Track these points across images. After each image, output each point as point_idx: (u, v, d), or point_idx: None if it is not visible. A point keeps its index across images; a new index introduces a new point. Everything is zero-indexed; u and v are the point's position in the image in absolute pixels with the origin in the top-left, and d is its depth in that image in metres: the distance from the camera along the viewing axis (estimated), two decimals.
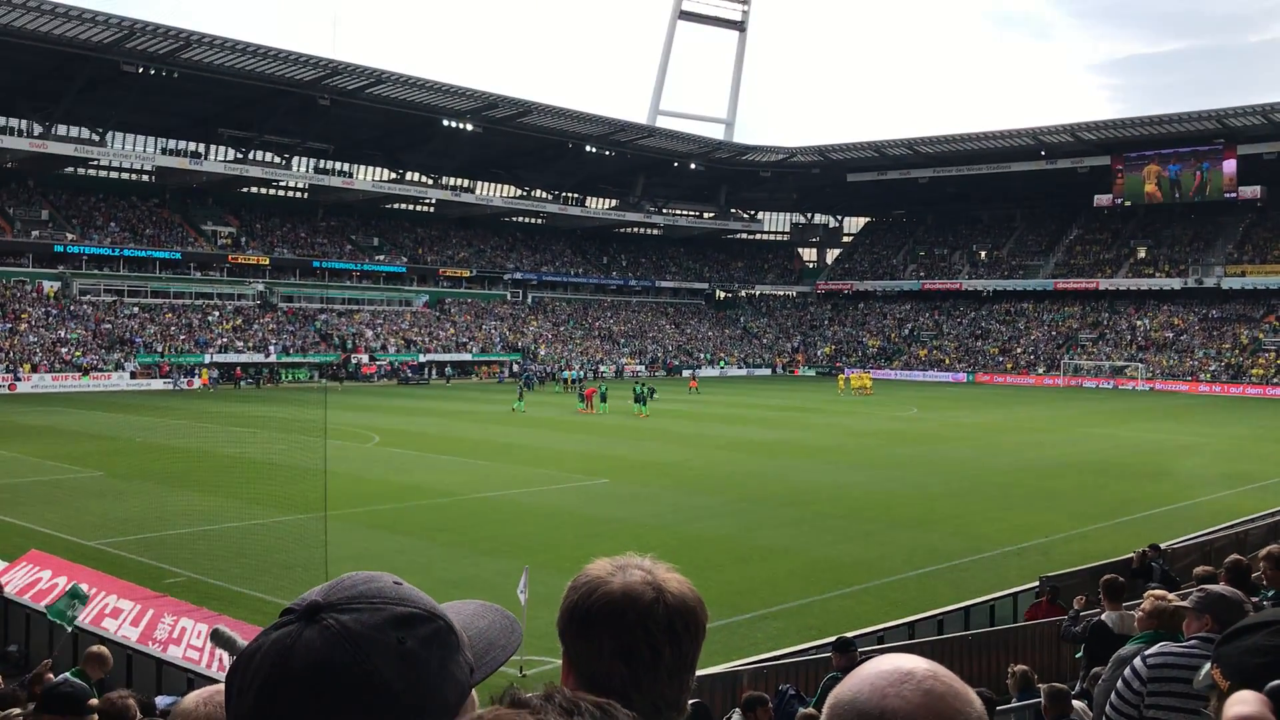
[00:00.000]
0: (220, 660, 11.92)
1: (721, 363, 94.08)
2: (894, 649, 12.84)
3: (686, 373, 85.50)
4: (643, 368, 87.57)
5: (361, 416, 45.93)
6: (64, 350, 64.09)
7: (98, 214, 76.24)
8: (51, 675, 11.02)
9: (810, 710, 8.70)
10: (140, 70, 67.27)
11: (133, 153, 79.21)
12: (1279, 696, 0.77)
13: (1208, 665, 1.92)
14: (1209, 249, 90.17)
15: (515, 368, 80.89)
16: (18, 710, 8.06)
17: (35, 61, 65.59)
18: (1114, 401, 64.80)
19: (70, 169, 77.20)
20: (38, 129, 71.96)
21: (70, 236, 72.24)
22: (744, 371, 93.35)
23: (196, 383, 65.80)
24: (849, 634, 12.23)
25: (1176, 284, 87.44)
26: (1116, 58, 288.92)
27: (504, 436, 40.44)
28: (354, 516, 23.58)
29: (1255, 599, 7.65)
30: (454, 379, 76.52)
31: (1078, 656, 11.05)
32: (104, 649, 10.26)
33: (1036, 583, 16.18)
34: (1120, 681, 4.92)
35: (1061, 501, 27.84)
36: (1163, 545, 16.66)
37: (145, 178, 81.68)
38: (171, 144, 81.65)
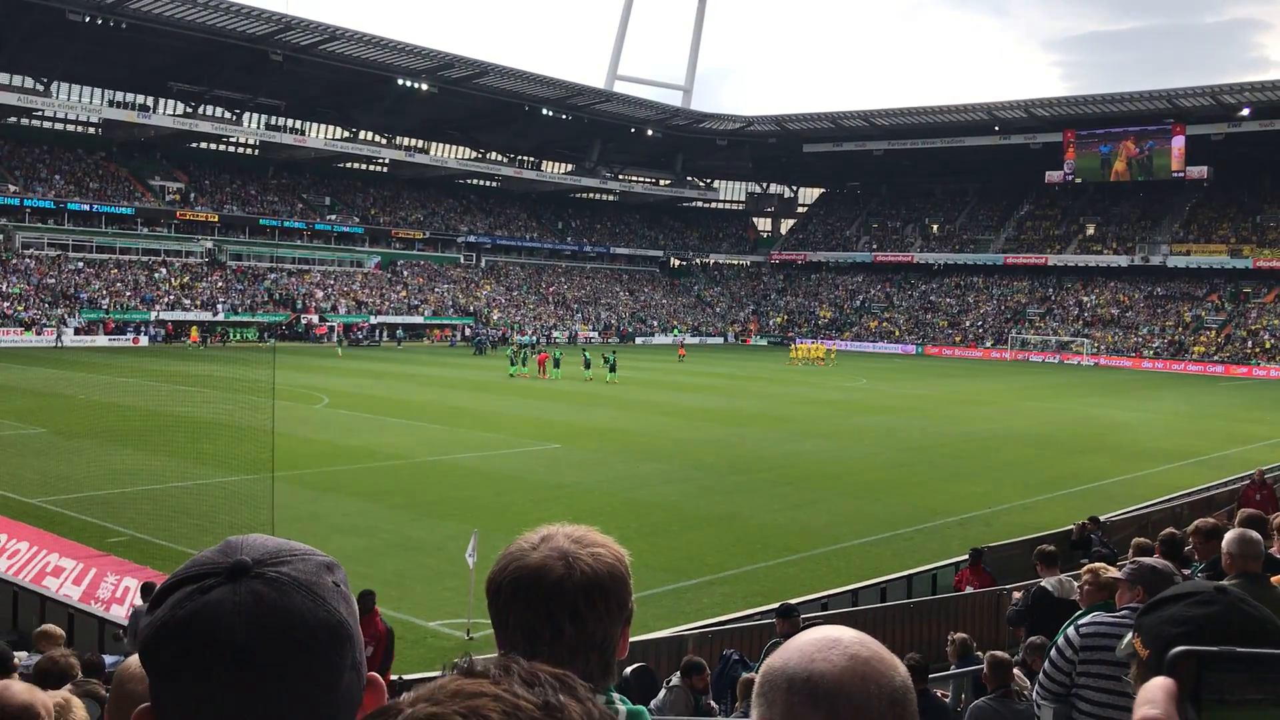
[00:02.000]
0: None
1: (675, 330, 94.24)
2: (837, 616, 13.05)
3: (675, 337, 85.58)
4: (595, 334, 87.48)
5: (311, 377, 45.55)
6: (5, 305, 62.81)
7: (42, 166, 74.54)
8: None
9: (752, 675, 8.83)
10: (86, 19, 65.70)
11: (79, 104, 77.50)
12: (1180, 665, 0.77)
13: (1130, 635, 1.99)
14: (1156, 227, 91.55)
15: (467, 331, 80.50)
16: None
17: None
18: (1059, 376, 65.81)
19: (13, 119, 75.24)
20: None
21: (12, 189, 70.62)
22: (696, 340, 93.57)
23: (188, 342, 64.84)
24: (792, 600, 12.41)
25: (1123, 261, 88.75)
26: (1073, 35, 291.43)
27: (455, 400, 40.31)
28: (302, 478, 23.45)
29: (1187, 571, 7.86)
30: (405, 341, 75.99)
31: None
32: (57, 629, 10.04)
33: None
34: (1054, 650, 5.06)
35: (1005, 473, 28.30)
36: (1102, 518, 17.03)
37: (91, 130, 79.91)
38: (119, 96, 79.95)
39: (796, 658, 1.33)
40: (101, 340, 63.31)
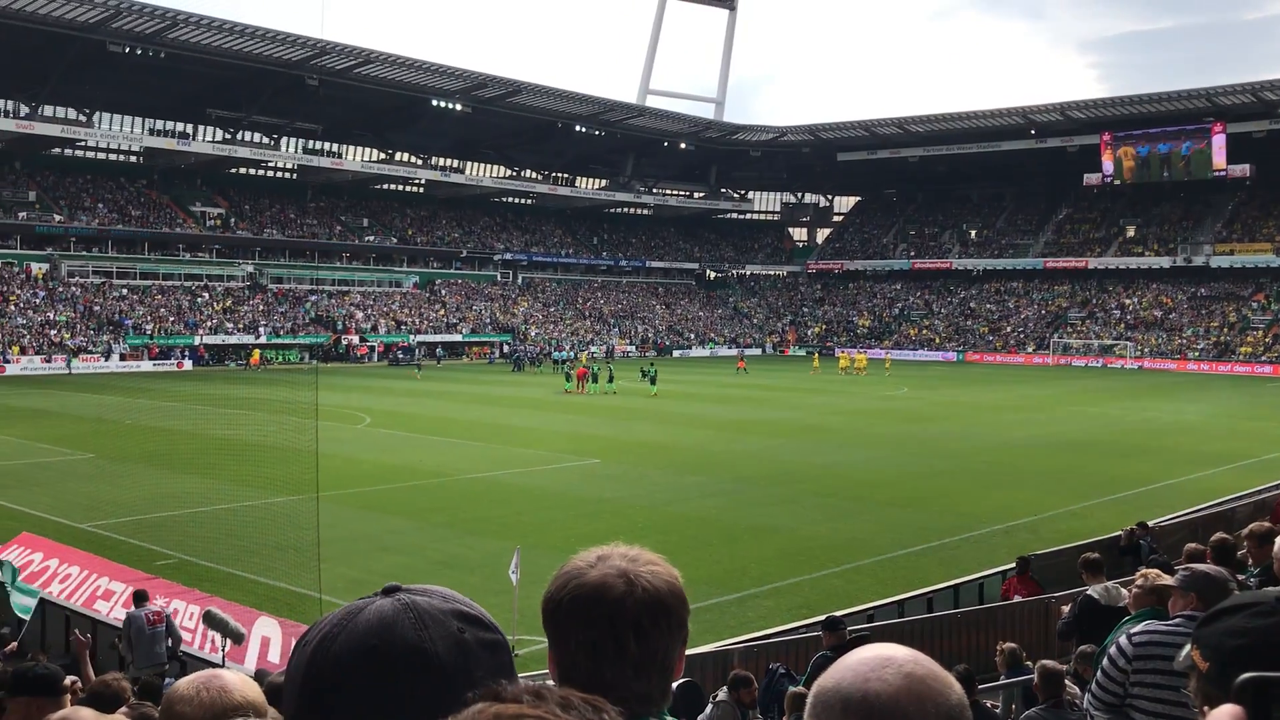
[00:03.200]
0: (213, 641, 11.96)
1: (711, 343, 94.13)
2: (883, 627, 12.94)
3: (734, 351, 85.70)
4: (633, 348, 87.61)
5: (352, 397, 45.90)
6: (52, 332, 63.85)
7: (85, 195, 75.82)
8: (45, 657, 11.06)
9: (799, 689, 8.77)
10: (126, 50, 66.80)
11: (120, 133, 78.80)
12: (1251, 692, 0.77)
13: (1188, 646, 1.95)
14: (1198, 228, 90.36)
15: (506, 348, 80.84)
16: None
17: (21, 41, 65.03)
18: (1102, 380, 65.04)
19: (57, 150, 76.70)
20: (24, 109, 71.47)
21: (58, 218, 71.88)
22: (734, 351, 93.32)
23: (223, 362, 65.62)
24: (838, 613, 12.32)
25: (1165, 263, 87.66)
26: (1109, 35, 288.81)
27: (495, 418, 40.46)
28: (346, 498, 23.61)
29: (1241, 577, 7.72)
30: (444, 359, 76.41)
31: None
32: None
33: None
34: (1106, 659, 4.98)
35: (1050, 480, 27.97)
36: (1150, 523, 16.79)
37: (133, 159, 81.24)
38: (159, 124, 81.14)
39: (850, 677, 1.32)
40: (146, 365, 64.17)
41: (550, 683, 0.87)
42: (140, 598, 12.73)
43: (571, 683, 1.59)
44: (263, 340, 71.25)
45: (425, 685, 1.23)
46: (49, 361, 60.85)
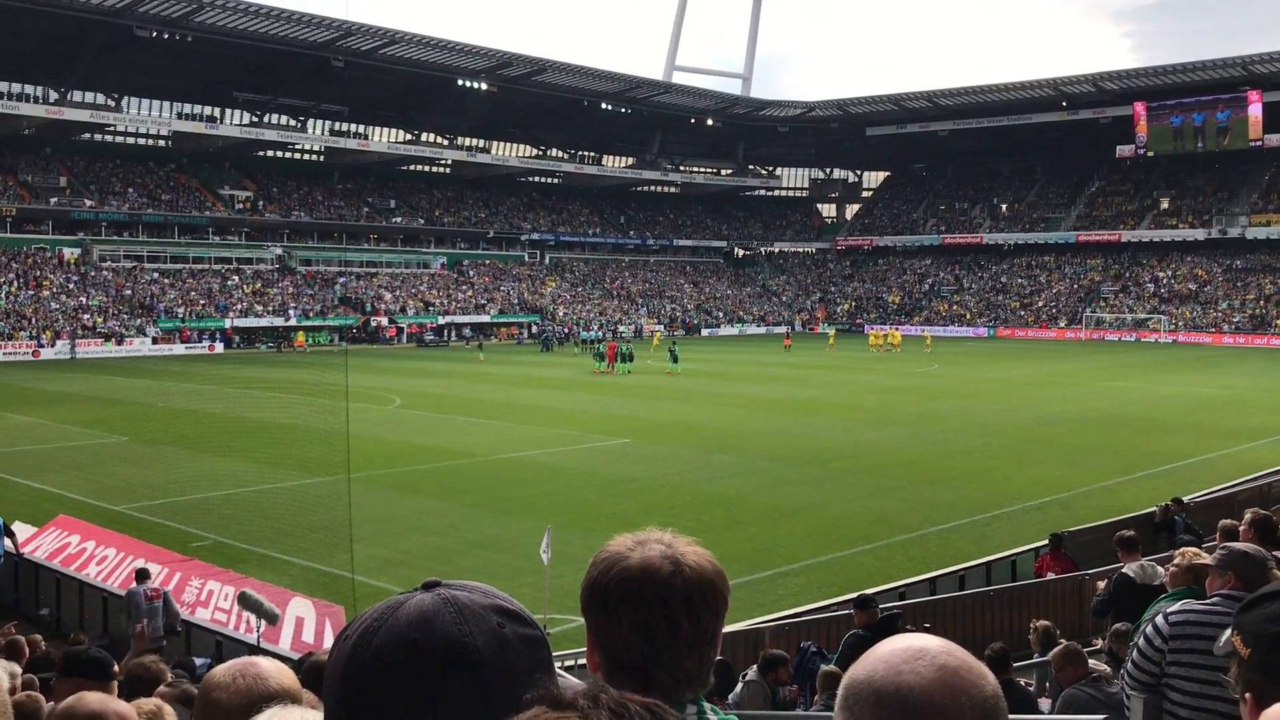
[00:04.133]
0: (248, 622, 12.08)
1: (740, 322, 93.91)
2: (915, 605, 12.90)
3: (781, 329, 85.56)
4: (661, 327, 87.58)
5: (382, 379, 46.15)
6: (85, 316, 64.51)
7: (115, 180, 76.41)
8: (85, 637, 11.21)
9: (832, 668, 8.76)
10: (153, 35, 67.09)
11: (148, 118, 79.31)
12: None
13: (1229, 632, 1.92)
14: (1233, 199, 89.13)
15: (535, 329, 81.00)
16: (49, 675, 8.20)
17: (49, 28, 65.48)
18: (1136, 354, 64.43)
19: (86, 135, 77.36)
20: (53, 95, 72.04)
21: (89, 203, 72.50)
22: (763, 330, 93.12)
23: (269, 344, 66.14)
24: (870, 590, 12.29)
25: (1200, 235, 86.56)
26: (1143, 4, 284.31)
27: (524, 398, 40.57)
28: (377, 479, 23.76)
29: (1279, 553, 7.63)
30: (472, 340, 76.63)
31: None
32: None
33: None
34: (1143, 639, 4.93)
35: (1083, 455, 27.77)
36: (1185, 499, 16.63)
37: (161, 143, 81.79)
38: (187, 108, 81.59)
39: (883, 670, 1.30)
40: (178, 349, 64.74)
41: (603, 683, 0.86)
42: (141, 575, 13.20)
43: (622, 667, 1.62)
44: (293, 322, 71.71)
45: (465, 680, 1.24)
46: (79, 345, 61.39)
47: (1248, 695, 1.80)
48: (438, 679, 1.23)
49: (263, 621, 11.12)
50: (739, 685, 9.15)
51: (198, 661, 9.43)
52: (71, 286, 67.21)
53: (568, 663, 10.43)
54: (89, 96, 75.80)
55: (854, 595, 11.86)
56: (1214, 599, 4.78)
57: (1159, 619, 4.84)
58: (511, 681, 1.25)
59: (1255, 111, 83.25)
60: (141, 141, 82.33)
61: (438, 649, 1.24)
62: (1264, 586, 1.93)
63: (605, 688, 0.90)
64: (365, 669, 1.26)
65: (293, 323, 71.75)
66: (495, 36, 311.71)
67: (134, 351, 62.67)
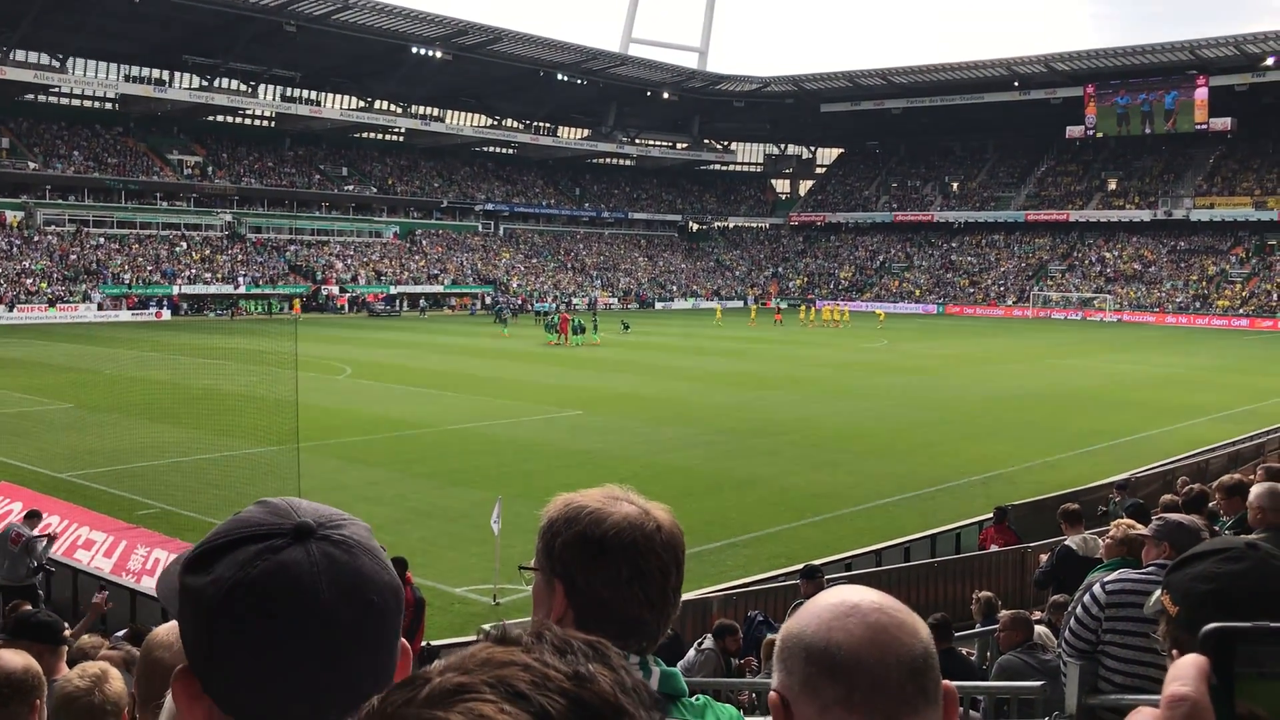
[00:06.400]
0: None
1: (692, 296, 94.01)
2: (861, 576, 13.08)
3: (714, 304, 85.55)
4: (615, 300, 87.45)
5: (333, 348, 45.73)
6: (29, 281, 63.24)
7: (60, 142, 74.76)
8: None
9: (776, 637, 8.88)
10: None
11: (95, 80, 77.62)
12: (1216, 642, 0.76)
13: (1158, 592, 1.98)
14: (1179, 181, 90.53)
15: (489, 300, 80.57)
16: None
17: None
18: (1082, 333, 65.40)
19: (30, 96, 75.42)
20: None
21: (32, 166, 70.90)
22: (716, 304, 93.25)
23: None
24: (816, 561, 12.45)
25: (1146, 216, 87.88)
26: None
27: (477, 369, 40.42)
28: (326, 449, 23.60)
29: (1215, 527, 7.83)
30: (428, 310, 76.10)
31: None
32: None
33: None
34: (1080, 607, 5.05)
35: (1028, 431, 28.21)
36: (1126, 475, 16.96)
37: (108, 105, 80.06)
38: (135, 71, 79.90)
39: (814, 625, 1.32)
40: (125, 315, 63.69)
41: (547, 621, 0.85)
42: (29, 515, 13.72)
43: (611, 614, 1.67)
44: (242, 290, 70.75)
45: (399, 615, 1.20)
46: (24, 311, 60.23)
47: (1174, 652, 1.87)
48: (392, 620, 1.19)
49: None
50: (691, 652, 9.25)
51: (117, 634, 9.36)
52: (14, 250, 65.79)
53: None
54: (33, 56, 73.94)
55: (800, 566, 12.00)
56: (1149, 568, 4.91)
57: (1096, 588, 4.96)
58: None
59: (1202, 95, 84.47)
60: (88, 104, 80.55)
61: (383, 597, 1.18)
62: (1191, 546, 2.00)
63: (549, 624, 0.89)
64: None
65: (242, 290, 70.82)
66: (451, 4, 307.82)
67: (79, 317, 61.57)
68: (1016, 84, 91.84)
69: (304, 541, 1.17)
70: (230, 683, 1.14)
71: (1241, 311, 75.31)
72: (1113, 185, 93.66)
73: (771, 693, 1.33)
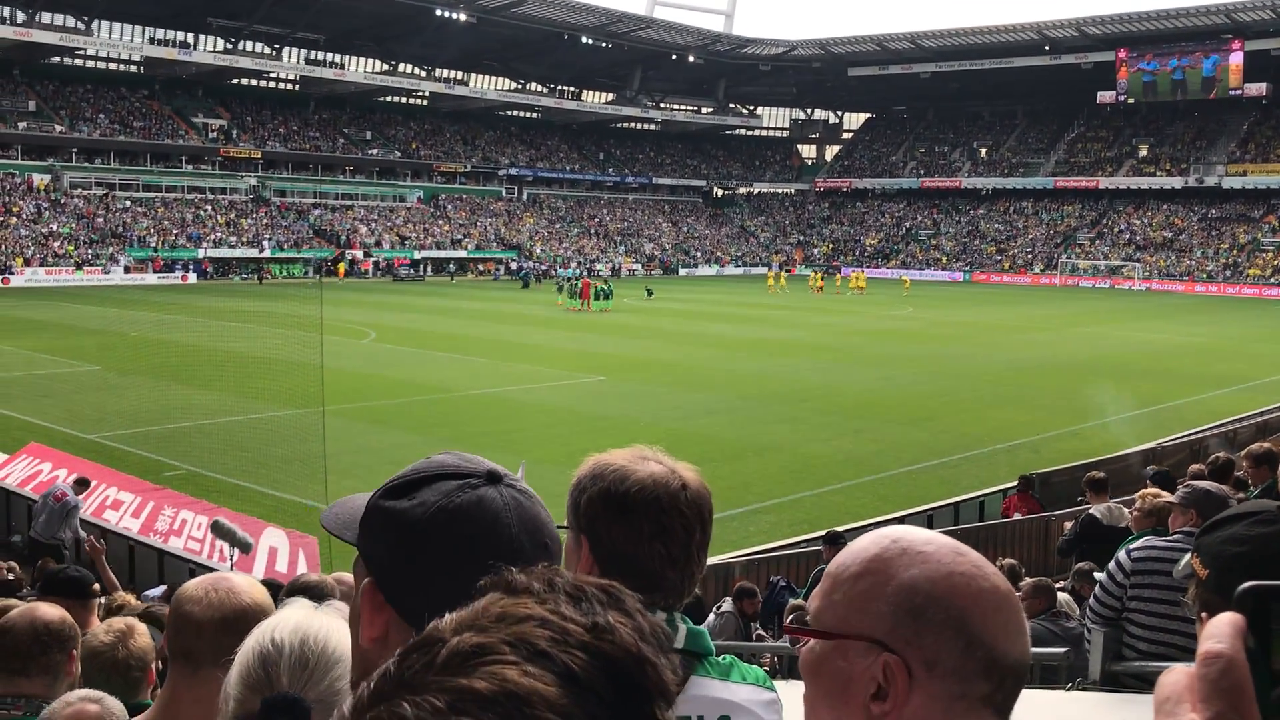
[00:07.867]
0: (220, 551, 12.11)
1: (715, 263, 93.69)
2: None
3: (740, 271, 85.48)
4: (639, 267, 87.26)
5: (357, 313, 45.90)
6: (56, 244, 63.70)
7: (86, 105, 75.05)
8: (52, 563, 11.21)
9: (800, 601, 8.89)
10: None
11: (120, 42, 77.74)
12: (1252, 602, 0.76)
13: (1188, 555, 1.96)
14: (1211, 148, 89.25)
15: (512, 265, 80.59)
16: (25, 589, 8.24)
17: None
18: (1110, 301, 64.85)
19: (56, 59, 75.65)
20: (21, 16, 70.42)
21: (59, 129, 71.23)
22: (741, 270, 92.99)
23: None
24: (839, 528, 12.45)
25: (1177, 183, 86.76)
26: None
27: (501, 334, 40.49)
28: (351, 412, 23.72)
29: (1242, 495, 7.76)
30: (455, 276, 76.22)
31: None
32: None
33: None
34: (1105, 574, 5.03)
35: (1054, 400, 28.03)
36: (1154, 443, 16.83)
37: (133, 68, 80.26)
38: (160, 34, 79.99)
39: (971, 606, 1.14)
40: (151, 278, 64.12)
41: (558, 568, 0.85)
42: (78, 482, 13.74)
43: (636, 571, 1.68)
44: (267, 254, 71.04)
45: (558, 560, 1.39)
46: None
47: (1204, 615, 1.85)
48: (557, 565, 1.30)
49: (236, 550, 11.15)
50: (711, 616, 9.28)
51: (151, 593, 9.47)
52: (41, 213, 66.25)
53: None
54: (58, 19, 74.14)
55: (823, 532, 12.01)
56: (1176, 535, 4.87)
57: (1121, 554, 4.94)
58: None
59: (1236, 60, 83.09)
60: (113, 66, 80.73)
61: (551, 539, 1.36)
62: (1222, 511, 1.97)
63: (560, 571, 0.88)
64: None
65: (267, 254, 71.12)
66: None
67: (106, 280, 62.03)
68: (1047, 48, 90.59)
69: (496, 485, 1.36)
70: (418, 595, 1.26)
71: (1273, 281, 74.40)
72: (1144, 152, 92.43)
73: (887, 655, 1.11)
